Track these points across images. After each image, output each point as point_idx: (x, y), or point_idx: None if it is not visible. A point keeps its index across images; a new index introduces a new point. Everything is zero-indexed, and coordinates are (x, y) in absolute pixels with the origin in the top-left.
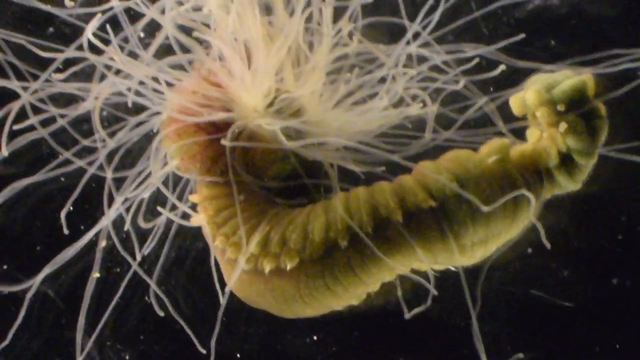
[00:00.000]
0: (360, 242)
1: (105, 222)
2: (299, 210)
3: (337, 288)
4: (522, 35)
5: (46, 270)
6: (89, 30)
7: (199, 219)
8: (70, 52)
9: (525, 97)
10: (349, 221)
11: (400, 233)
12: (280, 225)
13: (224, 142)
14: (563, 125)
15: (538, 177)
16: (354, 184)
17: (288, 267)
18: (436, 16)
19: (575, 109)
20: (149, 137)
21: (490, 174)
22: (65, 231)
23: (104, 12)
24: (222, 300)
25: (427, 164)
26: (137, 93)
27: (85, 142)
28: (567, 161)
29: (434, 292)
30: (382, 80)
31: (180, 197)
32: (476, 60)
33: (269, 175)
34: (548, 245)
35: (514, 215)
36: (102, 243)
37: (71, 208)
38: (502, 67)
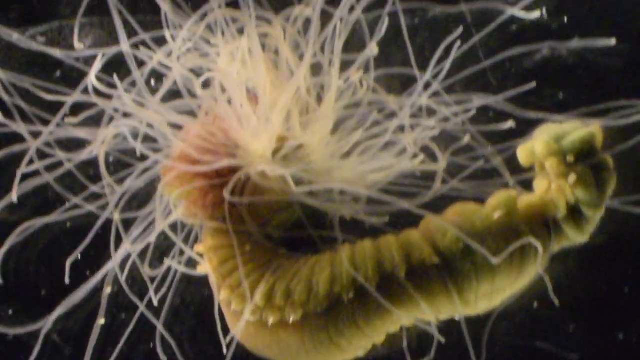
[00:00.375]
0: (365, 296)
1: (111, 266)
2: (304, 261)
3: (341, 341)
4: (533, 84)
5: (59, 311)
6: (92, 74)
7: (205, 268)
8: (76, 96)
9: (533, 148)
10: (355, 275)
11: (404, 288)
12: (285, 277)
13: (225, 195)
14: (573, 177)
15: (546, 229)
16: (359, 233)
17: (291, 320)
18: (446, 66)
19: (584, 160)
20: (155, 181)
21: (497, 228)
22: (67, 281)
23: (105, 55)
24: (227, 352)
25: (433, 218)
26: (144, 138)
27: (94, 188)
28: (574, 213)
29: (441, 339)
30: (389, 126)
31: (187, 240)
32: (473, 111)
33: (273, 225)
34: (556, 302)
35: (520, 270)
36: (108, 289)
37: (79, 257)
38: (511, 123)
